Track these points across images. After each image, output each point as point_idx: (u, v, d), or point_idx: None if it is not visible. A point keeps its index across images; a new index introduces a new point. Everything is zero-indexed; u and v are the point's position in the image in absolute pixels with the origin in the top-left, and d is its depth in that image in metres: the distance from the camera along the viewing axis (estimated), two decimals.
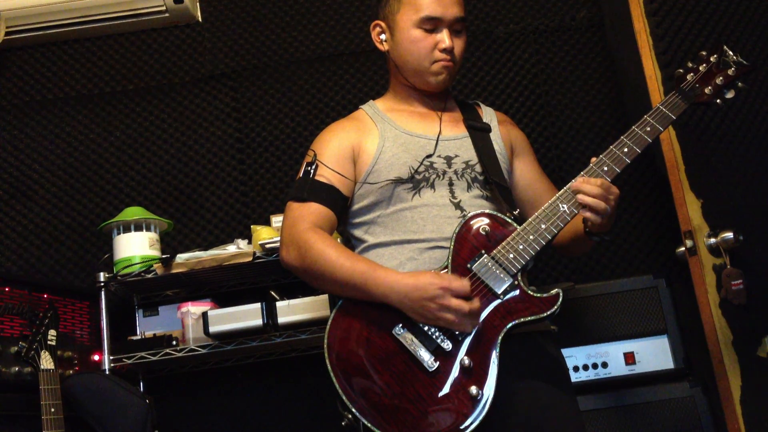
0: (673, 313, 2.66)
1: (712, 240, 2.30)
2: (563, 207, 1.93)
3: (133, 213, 2.96)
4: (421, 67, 2.14)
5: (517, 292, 1.88)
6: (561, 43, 3.40)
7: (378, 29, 2.23)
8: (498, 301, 1.87)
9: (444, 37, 2.11)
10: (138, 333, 3.07)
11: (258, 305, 2.76)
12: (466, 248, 1.93)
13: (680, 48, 2.48)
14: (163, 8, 3.40)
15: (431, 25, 2.11)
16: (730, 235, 2.26)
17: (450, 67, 2.14)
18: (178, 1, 3.38)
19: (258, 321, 2.75)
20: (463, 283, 1.84)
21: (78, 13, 3.38)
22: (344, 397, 1.83)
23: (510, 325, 1.85)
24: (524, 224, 1.94)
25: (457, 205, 2.04)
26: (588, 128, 3.29)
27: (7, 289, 2.63)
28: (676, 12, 2.50)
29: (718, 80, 2.06)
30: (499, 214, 1.98)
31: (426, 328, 1.86)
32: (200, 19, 3.55)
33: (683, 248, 2.38)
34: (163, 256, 2.87)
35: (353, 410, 1.82)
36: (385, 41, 2.21)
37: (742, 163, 2.42)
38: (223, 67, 3.50)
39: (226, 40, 3.52)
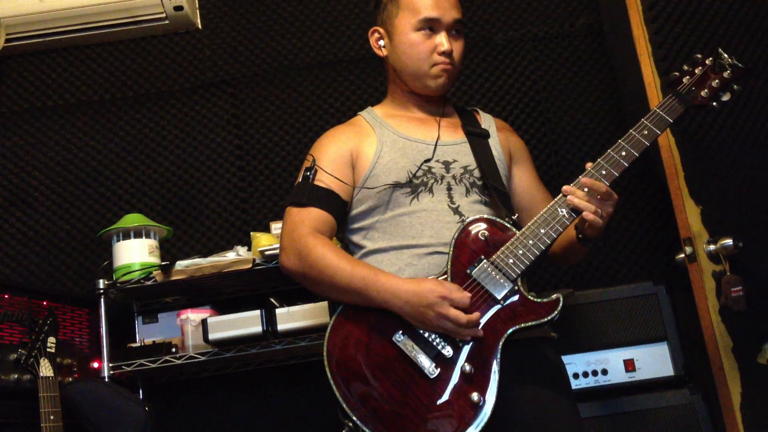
0: (672, 320, 2.66)
1: (712, 247, 2.30)
2: (562, 211, 1.93)
3: (132, 220, 2.96)
4: (420, 71, 2.14)
5: (517, 297, 1.88)
6: (560, 49, 3.41)
7: (376, 35, 2.23)
8: (498, 307, 1.87)
9: (443, 40, 2.12)
10: (137, 340, 3.07)
11: (257, 312, 2.76)
12: (465, 253, 1.93)
13: (679, 55, 2.49)
14: (163, 15, 3.41)
15: (430, 27, 2.12)
16: (729, 241, 2.26)
17: (449, 70, 2.14)
18: (178, 8, 3.38)
19: (257, 328, 2.74)
20: (463, 295, 1.84)
21: (78, 20, 3.39)
22: (344, 405, 1.83)
23: (510, 330, 1.85)
24: (523, 229, 1.93)
25: (456, 210, 2.04)
26: (587, 135, 3.30)
27: (6, 296, 2.63)
28: (675, 19, 2.51)
29: (714, 83, 2.06)
30: (498, 219, 1.98)
31: (426, 335, 1.86)
32: (200, 26, 3.56)
33: (683, 255, 2.38)
34: (163, 263, 2.87)
35: (354, 418, 1.81)
36: (384, 47, 2.21)
37: (741, 169, 2.42)
38: (223, 74, 3.50)
39: (226, 47, 3.52)
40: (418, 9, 2.12)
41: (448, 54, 2.12)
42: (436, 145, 2.12)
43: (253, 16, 3.55)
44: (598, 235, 1.98)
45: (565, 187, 1.94)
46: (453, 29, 2.15)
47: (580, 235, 2.00)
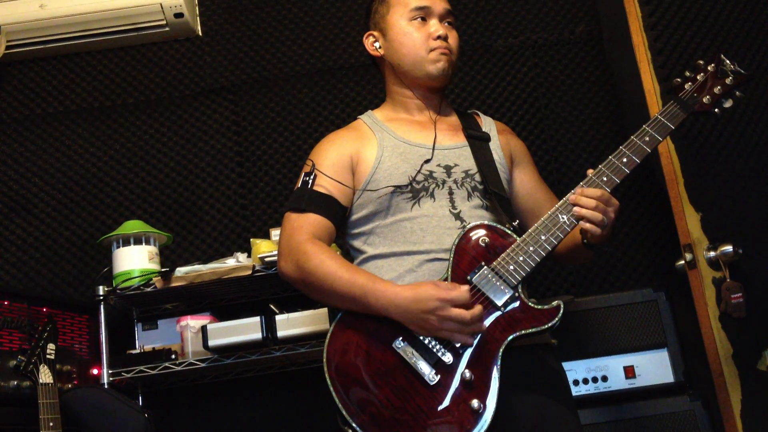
0: (672, 327, 2.66)
1: (712, 253, 2.30)
2: (563, 218, 1.93)
3: (132, 226, 2.96)
4: (418, 57, 2.15)
5: (518, 304, 1.88)
6: (560, 56, 3.41)
7: (371, 38, 2.26)
8: (498, 314, 1.87)
9: (437, 27, 2.15)
10: (137, 347, 3.06)
11: (257, 319, 2.75)
12: (465, 260, 1.92)
13: (679, 62, 2.49)
14: (164, 22, 3.41)
15: (422, 14, 2.16)
16: (729, 248, 2.26)
17: (447, 54, 2.15)
18: (179, 16, 3.39)
19: (257, 334, 2.74)
20: (461, 291, 1.82)
21: (79, 27, 3.39)
22: (344, 412, 1.82)
23: (511, 337, 1.84)
24: (524, 235, 1.93)
25: (457, 216, 2.04)
26: (587, 141, 3.30)
27: (6, 303, 2.63)
28: (674, 26, 2.51)
29: (716, 89, 2.06)
30: (498, 225, 1.97)
31: (426, 341, 1.85)
32: (200, 33, 3.56)
33: (683, 261, 2.38)
34: (163, 270, 2.87)
35: (353, 425, 1.81)
36: (380, 47, 2.23)
37: (741, 176, 2.42)
38: (223, 81, 3.51)
39: (226, 54, 3.53)
40: (408, 1, 2.17)
41: (443, 38, 2.14)
42: (434, 148, 2.12)
43: (253, 23, 3.56)
44: (602, 240, 1.98)
45: (571, 197, 1.94)
46: (445, 19, 2.19)
47: (585, 240, 2.00)
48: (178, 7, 3.37)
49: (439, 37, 2.14)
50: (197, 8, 3.57)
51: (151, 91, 3.52)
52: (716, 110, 2.07)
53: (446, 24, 2.19)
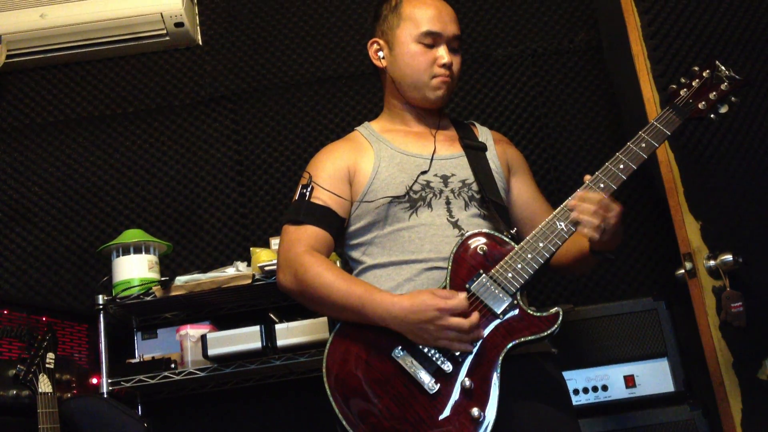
0: (673, 336, 2.65)
1: (712, 262, 2.30)
2: (560, 225, 1.93)
3: (132, 235, 2.96)
4: (420, 82, 2.14)
5: (517, 311, 1.87)
6: (559, 65, 3.42)
7: (376, 46, 2.24)
8: (498, 321, 1.87)
9: (443, 53, 2.13)
10: (136, 356, 3.06)
11: (257, 328, 2.75)
12: (464, 268, 1.92)
13: (678, 71, 2.49)
14: (164, 31, 3.42)
15: (431, 40, 2.13)
16: (729, 257, 2.25)
17: (448, 83, 2.15)
18: (179, 25, 3.40)
19: (257, 344, 2.74)
20: (458, 299, 1.82)
21: (79, 36, 3.40)
22: (344, 422, 1.82)
23: (510, 344, 1.84)
24: (522, 243, 1.93)
25: (455, 224, 2.04)
26: (586, 150, 3.31)
27: (5, 312, 2.63)
28: (673, 35, 2.51)
29: (712, 95, 2.06)
30: (496, 234, 1.97)
31: (426, 350, 1.85)
32: (200, 42, 3.57)
33: (683, 270, 2.38)
34: (162, 279, 2.87)
35: None
36: (383, 58, 2.22)
37: (741, 185, 2.42)
38: (223, 90, 3.51)
39: (226, 63, 3.53)
40: (420, 22, 2.14)
41: (448, 66, 2.13)
42: (432, 159, 2.12)
43: (253, 32, 3.56)
44: (609, 247, 1.97)
45: (570, 203, 1.93)
46: (452, 44, 2.17)
47: (592, 247, 1.99)
48: (179, 17, 3.38)
49: (444, 65, 2.13)
50: (197, 17, 3.58)
51: (151, 100, 3.52)
52: (712, 116, 2.07)
53: (453, 48, 2.17)
